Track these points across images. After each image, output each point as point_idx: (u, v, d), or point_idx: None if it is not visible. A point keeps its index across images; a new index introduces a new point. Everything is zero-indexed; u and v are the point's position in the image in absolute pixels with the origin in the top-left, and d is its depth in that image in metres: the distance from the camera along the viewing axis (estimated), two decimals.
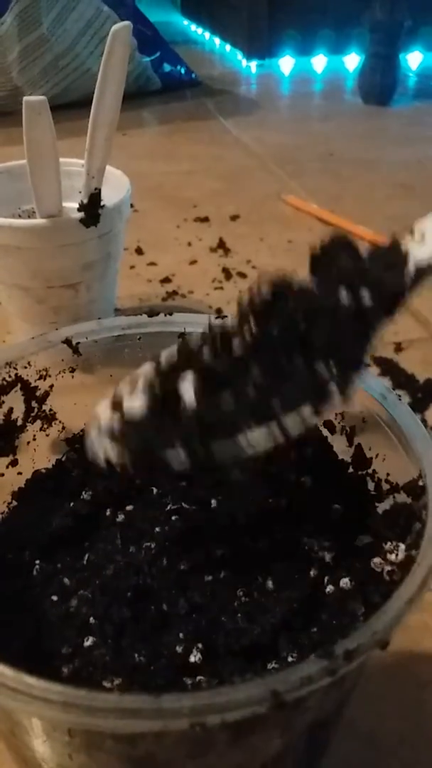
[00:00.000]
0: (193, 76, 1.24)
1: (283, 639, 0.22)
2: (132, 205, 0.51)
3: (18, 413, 0.29)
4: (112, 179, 0.48)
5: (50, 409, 0.30)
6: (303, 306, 0.21)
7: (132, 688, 0.20)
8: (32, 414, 0.30)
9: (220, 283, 0.64)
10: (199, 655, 0.21)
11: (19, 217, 0.51)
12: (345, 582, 0.23)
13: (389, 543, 0.23)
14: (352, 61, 1.37)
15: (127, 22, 0.40)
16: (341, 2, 1.29)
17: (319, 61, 1.39)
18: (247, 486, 0.27)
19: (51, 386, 0.30)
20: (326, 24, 1.35)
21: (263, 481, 0.27)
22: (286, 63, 1.38)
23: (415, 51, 1.36)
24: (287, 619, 0.22)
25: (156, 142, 1.02)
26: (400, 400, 0.25)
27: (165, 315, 0.30)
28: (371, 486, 0.27)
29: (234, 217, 0.77)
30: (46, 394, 0.30)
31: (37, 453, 0.30)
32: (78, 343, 0.29)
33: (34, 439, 0.30)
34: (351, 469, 0.28)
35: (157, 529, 0.26)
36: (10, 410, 0.28)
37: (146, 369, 0.22)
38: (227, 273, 0.65)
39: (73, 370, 0.30)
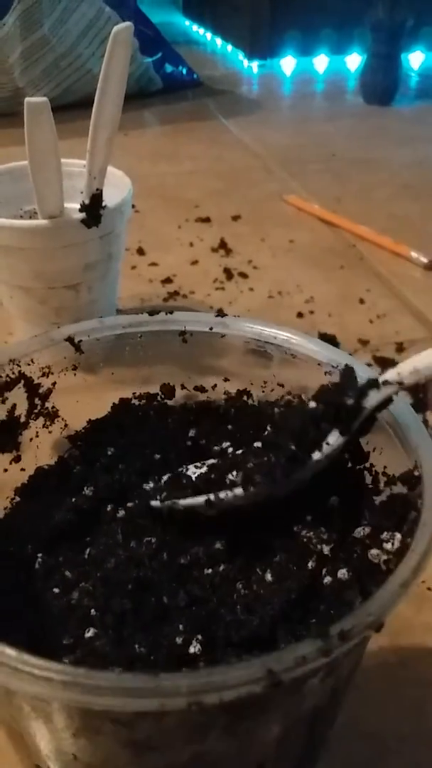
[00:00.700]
0: (195, 76, 1.24)
1: (282, 630, 0.22)
2: (133, 206, 0.52)
3: (21, 410, 0.29)
4: (113, 180, 0.48)
5: (53, 407, 0.30)
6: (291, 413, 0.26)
7: None
8: (35, 411, 0.30)
9: (221, 283, 0.64)
10: (198, 646, 0.21)
11: (21, 217, 0.51)
12: (342, 573, 0.24)
13: (386, 533, 0.24)
14: (354, 61, 1.37)
15: (128, 23, 0.40)
16: (343, 2, 1.29)
17: (320, 61, 1.39)
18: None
19: (54, 384, 0.30)
20: (328, 24, 1.35)
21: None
22: (287, 63, 1.38)
23: (416, 51, 1.36)
24: (285, 611, 0.22)
25: (158, 142, 1.02)
26: (396, 394, 0.26)
27: (166, 314, 0.31)
28: (369, 479, 0.27)
29: (235, 218, 0.77)
30: (49, 392, 0.30)
31: (40, 450, 0.30)
32: (80, 341, 0.30)
33: (37, 436, 0.30)
34: (350, 464, 0.28)
35: (158, 524, 0.26)
36: (14, 407, 0.29)
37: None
38: (228, 273, 0.65)
39: (75, 368, 0.30)
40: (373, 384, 0.23)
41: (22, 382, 0.29)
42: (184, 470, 0.28)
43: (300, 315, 0.58)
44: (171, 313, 0.31)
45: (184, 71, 1.22)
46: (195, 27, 1.70)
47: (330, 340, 0.54)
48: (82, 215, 0.45)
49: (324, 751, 0.27)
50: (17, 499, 0.29)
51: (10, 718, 0.21)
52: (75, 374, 0.30)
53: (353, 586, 0.23)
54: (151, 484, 0.28)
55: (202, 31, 1.65)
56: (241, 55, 1.42)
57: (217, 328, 0.30)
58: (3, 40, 0.96)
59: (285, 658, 0.17)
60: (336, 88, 1.29)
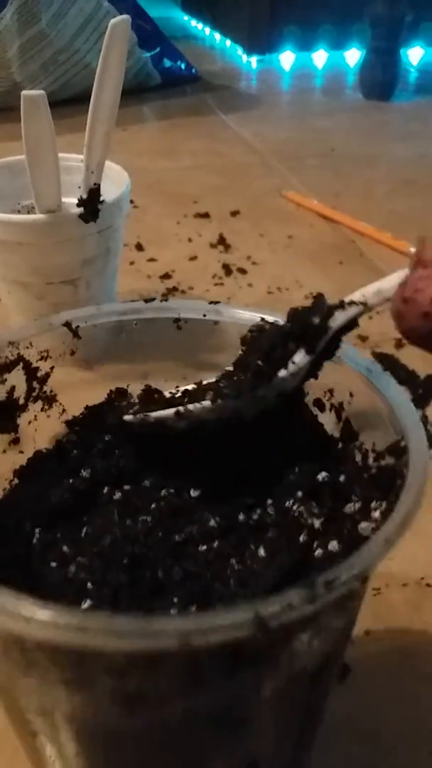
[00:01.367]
0: (194, 71, 1.24)
1: None
2: (132, 201, 0.51)
3: (20, 393, 0.30)
4: (111, 174, 0.48)
5: (51, 391, 0.31)
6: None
7: None
8: (33, 394, 0.30)
9: (220, 279, 0.63)
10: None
11: (19, 212, 0.51)
12: (333, 545, 0.24)
13: (374, 502, 0.24)
14: (353, 56, 1.37)
15: (125, 16, 0.40)
16: None
17: (319, 57, 1.39)
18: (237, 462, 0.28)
19: (52, 368, 0.30)
20: (327, 19, 1.34)
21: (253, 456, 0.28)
22: (286, 58, 1.38)
23: (416, 46, 1.36)
24: (278, 584, 0.23)
25: (156, 137, 1.02)
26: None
27: (161, 301, 0.31)
28: (359, 457, 0.28)
29: (234, 213, 0.76)
30: (47, 376, 0.30)
31: (38, 434, 0.31)
32: (78, 326, 0.30)
33: (36, 420, 0.31)
34: (341, 444, 0.29)
35: (153, 505, 0.27)
36: (12, 388, 0.29)
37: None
38: (227, 269, 0.65)
39: (72, 353, 0.30)
40: (339, 305, 0.25)
41: (21, 364, 0.29)
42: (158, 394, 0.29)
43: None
44: (166, 299, 0.31)
45: (183, 66, 1.21)
46: (193, 22, 1.70)
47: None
48: (80, 210, 0.44)
49: (318, 735, 0.27)
50: (16, 481, 0.30)
51: (6, 683, 0.22)
52: (73, 359, 0.30)
53: (343, 556, 0.24)
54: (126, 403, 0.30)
55: (200, 25, 1.65)
56: (239, 50, 1.41)
57: (210, 315, 0.31)
58: (1, 35, 0.96)
59: (272, 603, 0.17)
60: (335, 83, 1.28)
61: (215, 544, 0.25)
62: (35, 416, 0.31)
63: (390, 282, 0.23)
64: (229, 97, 1.19)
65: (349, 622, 0.24)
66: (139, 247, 0.68)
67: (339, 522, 0.25)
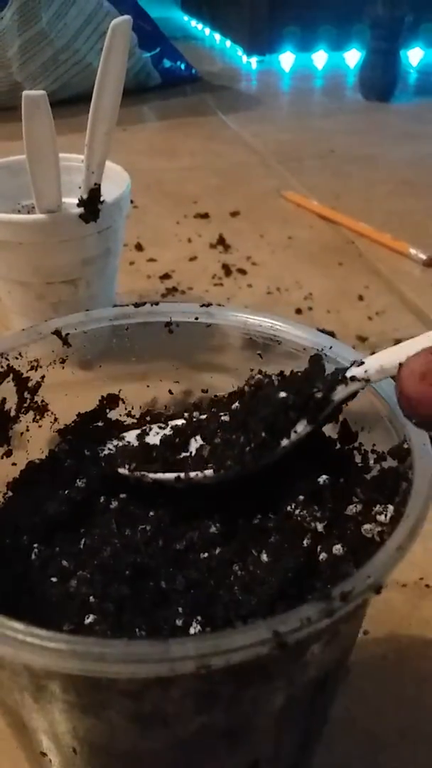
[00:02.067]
0: (193, 71, 1.24)
1: (280, 608, 0.22)
2: (132, 201, 0.51)
3: (11, 404, 0.29)
4: (111, 175, 0.48)
5: (42, 400, 0.30)
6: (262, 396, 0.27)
7: None
8: (25, 405, 0.30)
9: (219, 279, 0.64)
10: (198, 627, 0.22)
11: (19, 212, 0.51)
12: (337, 548, 0.24)
13: (378, 506, 0.24)
14: (353, 57, 1.37)
15: (126, 17, 0.40)
16: None
17: (319, 57, 1.39)
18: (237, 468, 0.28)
19: (42, 377, 0.30)
20: (327, 20, 1.34)
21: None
22: (286, 59, 1.38)
23: (415, 47, 1.36)
24: (283, 589, 0.23)
25: (156, 137, 1.02)
26: (363, 389, 0.27)
27: (151, 305, 0.31)
28: (359, 458, 0.28)
29: (234, 214, 0.76)
30: (38, 385, 0.30)
31: (31, 444, 0.30)
32: (67, 334, 0.30)
33: (28, 430, 0.30)
34: (338, 445, 0.29)
35: (152, 513, 0.26)
36: (3, 401, 0.29)
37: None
38: (227, 269, 0.65)
39: (63, 361, 0.30)
40: (342, 380, 0.25)
41: (11, 375, 0.29)
42: (147, 430, 0.29)
43: (299, 311, 0.58)
44: (156, 304, 0.31)
45: (183, 66, 1.21)
46: (193, 22, 1.70)
47: (329, 335, 0.54)
48: (80, 210, 0.44)
49: (324, 733, 0.27)
50: (9, 494, 0.29)
51: (15, 705, 0.21)
52: (63, 367, 0.30)
53: (349, 560, 0.24)
54: (115, 442, 0.30)
55: (200, 26, 1.65)
56: (239, 51, 1.42)
57: (203, 318, 0.31)
58: (1, 34, 0.96)
59: (290, 619, 0.17)
60: (335, 84, 1.29)
61: (217, 550, 0.25)
62: (27, 427, 0.30)
63: (390, 358, 0.23)
64: (229, 98, 1.19)
65: (357, 627, 0.24)
66: (139, 247, 0.68)
67: (342, 525, 0.25)
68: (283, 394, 0.26)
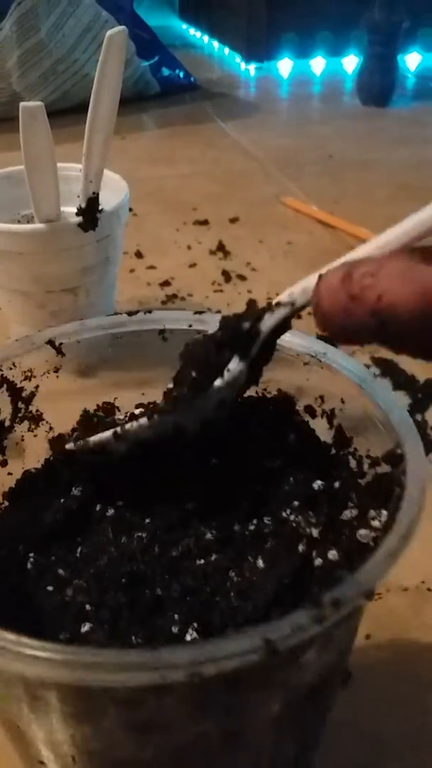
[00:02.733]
0: (192, 79, 1.24)
1: (276, 614, 0.22)
2: (131, 209, 0.52)
3: (5, 415, 0.30)
4: (110, 183, 0.49)
5: (37, 410, 0.30)
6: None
7: None
8: (19, 415, 0.30)
9: (219, 285, 0.64)
10: (194, 635, 0.22)
11: (19, 222, 0.51)
12: (332, 554, 0.24)
13: (372, 511, 0.24)
14: (351, 62, 1.38)
15: (122, 27, 0.40)
16: (339, 4, 1.29)
17: (317, 63, 1.40)
18: (232, 473, 0.28)
19: (36, 387, 0.30)
20: (324, 26, 1.35)
21: (246, 465, 0.28)
22: (284, 65, 1.39)
23: (413, 52, 1.36)
24: (279, 595, 0.23)
25: (155, 145, 1.03)
26: (375, 377, 0.27)
27: (144, 313, 0.31)
28: (353, 463, 0.28)
29: (233, 220, 0.77)
30: (32, 395, 0.30)
31: (26, 454, 0.30)
32: (61, 343, 0.30)
33: (23, 440, 0.30)
34: (333, 450, 0.29)
35: (147, 520, 0.26)
36: None
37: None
38: (227, 276, 0.65)
39: (57, 371, 0.30)
40: (268, 308, 0.24)
41: (5, 386, 0.29)
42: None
43: (298, 316, 0.58)
44: (149, 312, 0.31)
45: (181, 74, 1.22)
46: (192, 30, 1.71)
47: (328, 341, 0.54)
48: (79, 219, 0.45)
49: (322, 739, 0.27)
50: (5, 503, 0.29)
51: (11, 715, 0.21)
52: (57, 377, 0.30)
53: (344, 565, 0.24)
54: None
55: (198, 34, 1.66)
56: (238, 58, 1.42)
57: (196, 325, 0.30)
58: (0, 45, 0.96)
59: (281, 626, 0.17)
60: (333, 89, 1.29)
61: (213, 557, 0.25)
62: (22, 437, 0.30)
63: (314, 280, 0.23)
64: (228, 105, 1.19)
65: (353, 631, 0.24)
66: (139, 255, 0.68)
67: (337, 530, 0.25)
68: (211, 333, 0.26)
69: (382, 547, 0.20)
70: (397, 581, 0.36)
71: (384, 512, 0.24)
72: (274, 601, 0.23)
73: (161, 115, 1.14)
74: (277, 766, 0.24)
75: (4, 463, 0.30)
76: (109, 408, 0.32)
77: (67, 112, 0.86)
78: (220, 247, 0.70)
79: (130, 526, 0.26)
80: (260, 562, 0.24)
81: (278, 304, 0.24)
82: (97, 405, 0.32)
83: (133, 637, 0.22)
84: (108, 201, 0.46)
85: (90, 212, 0.45)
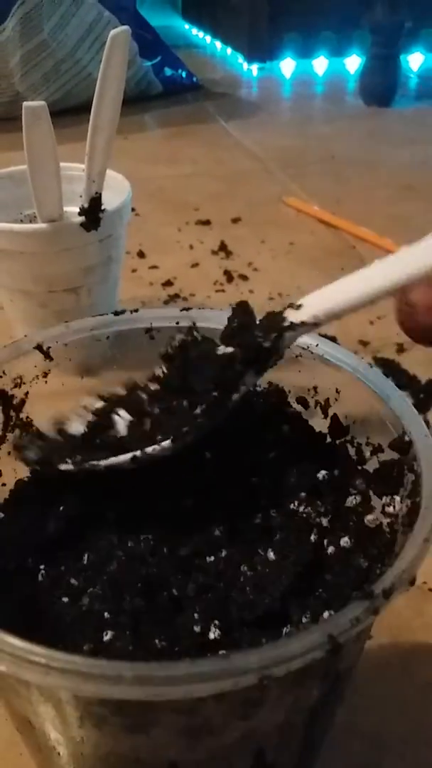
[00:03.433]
0: (194, 79, 1.24)
1: (293, 604, 0.23)
2: (133, 209, 0.52)
3: None
4: (112, 183, 0.49)
5: (27, 417, 0.30)
6: (194, 354, 0.26)
7: None
8: (11, 423, 0.29)
9: (221, 285, 0.64)
10: (217, 632, 0.22)
11: (21, 222, 0.51)
12: (345, 541, 0.25)
13: (384, 497, 0.25)
14: (353, 62, 1.38)
15: (125, 27, 0.40)
16: (342, 4, 1.29)
17: (320, 64, 1.40)
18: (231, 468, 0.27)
19: (26, 393, 0.29)
20: (327, 26, 1.35)
21: (244, 461, 0.28)
22: (287, 65, 1.39)
23: (416, 52, 1.36)
24: (294, 585, 0.23)
25: (157, 145, 1.03)
26: (371, 367, 0.27)
27: (131, 312, 0.31)
28: (352, 451, 0.28)
29: (235, 220, 0.77)
30: (22, 402, 0.30)
31: (18, 462, 0.30)
32: (49, 347, 0.29)
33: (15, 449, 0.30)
34: (329, 439, 0.29)
35: (150, 520, 0.26)
36: None
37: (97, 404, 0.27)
38: (229, 275, 0.65)
39: (46, 375, 0.30)
40: (290, 327, 0.24)
41: None
42: (62, 421, 0.28)
43: None
44: (136, 311, 0.31)
45: (184, 74, 1.22)
46: (194, 30, 1.71)
47: (330, 341, 0.54)
48: (82, 219, 0.45)
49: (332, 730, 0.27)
50: (1, 515, 0.28)
51: (64, 736, 0.21)
52: (46, 381, 0.30)
53: (357, 551, 0.24)
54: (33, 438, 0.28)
55: (201, 34, 1.66)
56: (240, 58, 1.42)
57: (183, 322, 0.30)
58: (2, 45, 0.96)
59: (340, 621, 0.18)
60: (335, 89, 1.29)
61: (223, 553, 0.24)
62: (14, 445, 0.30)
63: (337, 298, 0.23)
64: (230, 105, 1.19)
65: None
66: (141, 255, 0.69)
67: (344, 517, 0.25)
68: (224, 349, 0.25)
69: (416, 534, 0.20)
70: None
71: (396, 498, 0.24)
72: (290, 592, 0.23)
73: (164, 115, 1.14)
74: (301, 759, 0.25)
75: None
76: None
77: (70, 112, 0.86)
78: (222, 247, 0.70)
79: (133, 528, 0.26)
80: (271, 555, 0.24)
81: (303, 324, 0.24)
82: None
83: (157, 640, 0.22)
84: (110, 201, 0.46)
85: (92, 212, 0.45)
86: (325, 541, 0.25)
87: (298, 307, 0.24)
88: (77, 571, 0.25)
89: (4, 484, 0.29)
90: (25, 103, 0.40)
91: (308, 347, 0.28)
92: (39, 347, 0.29)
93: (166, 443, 0.24)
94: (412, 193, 0.83)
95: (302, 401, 0.30)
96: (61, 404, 0.31)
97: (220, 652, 0.21)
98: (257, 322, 0.25)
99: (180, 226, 0.75)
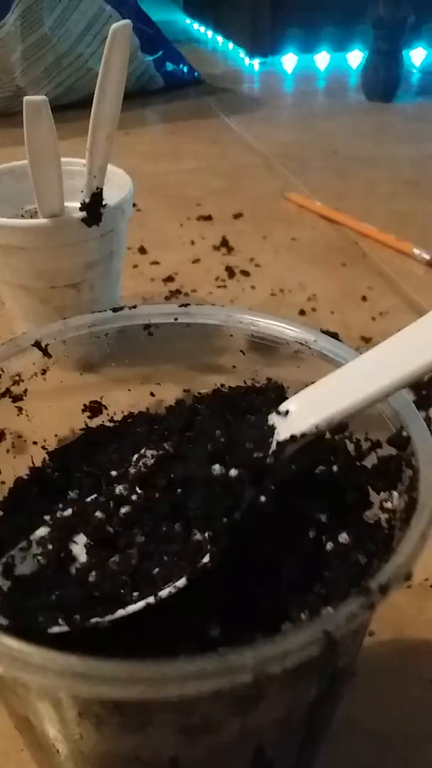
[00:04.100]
0: (196, 74, 1.24)
1: (292, 601, 0.23)
2: (135, 204, 0.52)
3: None
4: (114, 178, 0.48)
5: (26, 414, 0.30)
6: (181, 475, 0.24)
7: None
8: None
9: (223, 281, 0.64)
10: (217, 628, 0.22)
11: (23, 217, 0.51)
12: (343, 537, 0.24)
13: (382, 493, 0.25)
14: (356, 57, 1.37)
15: (126, 21, 0.40)
16: None
17: (322, 58, 1.39)
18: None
19: (25, 391, 0.29)
20: (329, 21, 1.34)
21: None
22: (288, 60, 1.38)
23: (418, 47, 1.36)
24: (293, 581, 0.23)
25: (159, 140, 1.02)
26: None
27: (129, 308, 0.30)
28: (351, 447, 0.28)
29: (237, 216, 0.76)
30: (21, 399, 0.29)
31: (17, 460, 0.30)
32: (47, 344, 0.29)
33: (14, 447, 0.30)
34: (328, 435, 0.28)
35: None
36: None
37: (40, 532, 0.25)
38: (230, 271, 0.65)
39: (44, 372, 0.29)
40: (292, 440, 0.23)
41: None
42: (10, 559, 0.24)
43: (302, 312, 0.58)
44: (134, 307, 0.30)
45: (185, 69, 1.22)
46: (196, 25, 1.70)
47: (332, 337, 0.54)
48: (83, 214, 0.45)
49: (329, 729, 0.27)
50: (0, 513, 0.28)
51: (62, 735, 0.21)
52: (45, 379, 0.29)
53: (356, 547, 0.24)
54: None
55: (203, 29, 1.65)
56: (242, 53, 1.42)
57: (182, 318, 0.30)
58: (3, 40, 0.96)
59: (336, 617, 0.17)
60: (338, 85, 1.28)
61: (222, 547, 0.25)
62: (13, 443, 0.30)
63: (337, 405, 0.22)
64: (232, 100, 1.19)
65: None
66: (143, 250, 0.68)
67: (343, 513, 0.25)
68: (219, 469, 0.23)
69: (412, 530, 0.20)
70: None
71: (394, 493, 0.24)
72: (289, 587, 0.23)
73: (165, 110, 1.14)
74: (300, 756, 0.25)
75: None
76: (96, 407, 0.32)
77: (71, 107, 0.86)
78: (224, 243, 0.70)
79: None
80: (269, 551, 0.24)
81: (303, 436, 0.23)
82: (84, 405, 0.32)
83: (156, 638, 0.22)
84: (112, 196, 0.46)
85: (94, 207, 0.45)
86: (324, 537, 0.25)
87: (285, 413, 0.23)
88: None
89: (3, 482, 0.29)
90: (25, 98, 0.40)
91: (306, 342, 0.28)
92: (37, 344, 0.29)
93: (181, 582, 0.22)
94: (415, 189, 0.83)
95: None
96: (61, 401, 0.31)
97: (219, 649, 0.21)
98: (239, 429, 0.24)
99: (181, 222, 0.75)
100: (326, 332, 0.59)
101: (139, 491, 0.24)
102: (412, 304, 0.60)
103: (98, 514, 0.24)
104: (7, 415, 0.29)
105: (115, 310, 0.30)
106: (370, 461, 0.27)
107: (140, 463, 0.24)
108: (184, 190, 0.83)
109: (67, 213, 0.45)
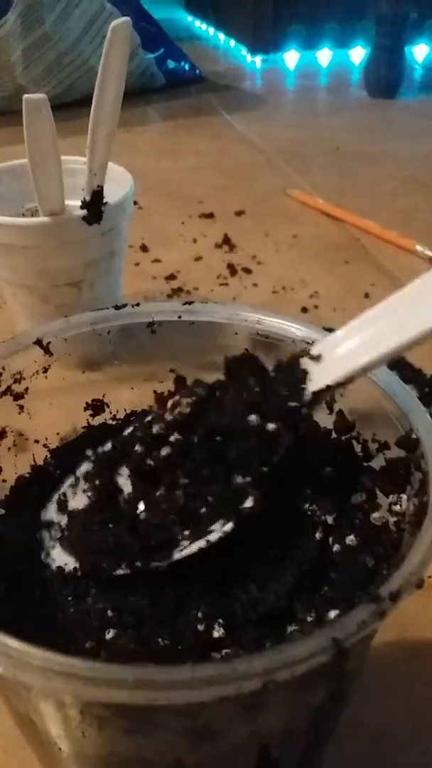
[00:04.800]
0: (198, 72, 1.24)
1: (298, 602, 0.23)
2: (136, 202, 0.51)
3: None
4: (115, 176, 0.48)
5: (27, 412, 0.30)
6: (218, 424, 0.24)
7: None
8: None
9: (225, 279, 0.63)
10: (221, 630, 0.22)
11: (23, 215, 0.51)
12: (350, 539, 0.24)
13: (391, 495, 0.24)
14: (358, 54, 1.37)
15: (126, 18, 0.40)
16: None
17: (324, 55, 1.39)
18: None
19: (26, 389, 0.29)
20: (331, 17, 1.34)
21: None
22: (291, 57, 1.38)
23: (420, 43, 1.35)
24: (299, 583, 0.23)
25: (160, 138, 1.02)
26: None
27: (132, 306, 0.30)
28: (358, 448, 0.28)
29: (239, 213, 0.76)
30: (22, 398, 0.29)
31: (19, 459, 0.30)
32: (49, 342, 0.29)
33: (15, 445, 0.29)
34: (335, 435, 0.28)
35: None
36: None
37: (85, 467, 0.25)
38: (232, 269, 0.65)
39: (46, 371, 0.29)
40: (327, 389, 0.23)
41: None
42: (63, 496, 0.26)
43: (305, 310, 0.58)
44: (137, 304, 0.30)
45: (187, 67, 1.21)
46: (197, 22, 1.70)
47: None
48: (84, 212, 0.44)
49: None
50: (2, 511, 0.28)
51: (65, 734, 0.21)
52: (46, 377, 0.29)
53: (363, 549, 0.24)
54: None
55: (204, 26, 1.65)
56: (243, 50, 1.41)
57: (186, 316, 0.30)
58: (4, 38, 0.96)
59: (346, 625, 0.17)
60: (340, 81, 1.28)
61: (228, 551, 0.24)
62: (14, 441, 0.29)
63: (362, 360, 0.22)
64: (234, 97, 1.19)
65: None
66: (144, 248, 0.68)
67: (349, 515, 0.25)
68: (255, 419, 0.23)
69: (423, 535, 0.20)
70: None
71: (403, 496, 0.24)
72: (295, 590, 0.23)
73: (166, 107, 1.14)
74: (305, 757, 0.24)
75: None
76: (98, 405, 0.32)
77: (72, 105, 0.86)
78: (226, 241, 0.70)
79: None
80: (276, 552, 0.24)
81: (338, 384, 0.23)
82: (86, 403, 0.32)
83: (160, 639, 0.21)
84: (113, 194, 0.46)
85: (94, 205, 0.45)
86: (331, 539, 0.24)
87: (318, 357, 0.23)
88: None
89: (4, 481, 0.29)
90: (25, 96, 0.40)
91: (312, 341, 0.28)
92: (38, 342, 0.29)
93: (228, 527, 0.23)
94: (418, 186, 0.82)
95: None
96: (62, 399, 0.31)
97: (224, 651, 0.21)
98: (273, 376, 0.24)
99: (183, 220, 0.75)
100: (329, 329, 0.59)
101: (177, 436, 0.24)
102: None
103: (138, 448, 0.24)
104: (9, 414, 0.29)
105: (117, 307, 0.30)
106: (377, 463, 0.26)
107: (176, 411, 0.24)
108: (186, 187, 0.83)
109: (68, 211, 0.45)
